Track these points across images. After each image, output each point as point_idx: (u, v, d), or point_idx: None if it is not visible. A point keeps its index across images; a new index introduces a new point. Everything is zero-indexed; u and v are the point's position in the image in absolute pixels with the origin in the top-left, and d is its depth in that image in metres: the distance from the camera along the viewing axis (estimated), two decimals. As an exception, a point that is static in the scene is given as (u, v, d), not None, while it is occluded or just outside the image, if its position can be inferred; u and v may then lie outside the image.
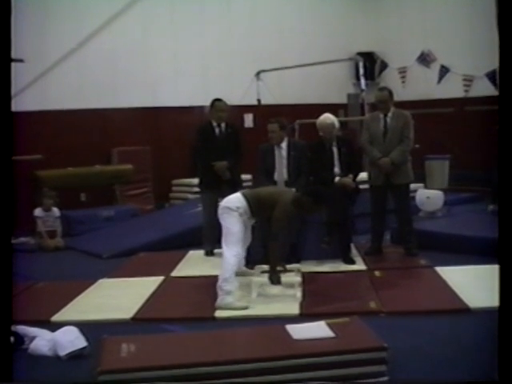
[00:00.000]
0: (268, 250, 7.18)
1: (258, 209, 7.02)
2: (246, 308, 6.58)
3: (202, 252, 9.19)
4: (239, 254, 6.85)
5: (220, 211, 7.05)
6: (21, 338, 5.54)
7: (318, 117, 8.56)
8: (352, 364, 4.68)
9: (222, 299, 6.61)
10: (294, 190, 7.73)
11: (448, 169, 12.14)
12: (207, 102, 9.55)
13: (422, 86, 15.35)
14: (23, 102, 10.94)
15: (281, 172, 8.51)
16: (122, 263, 8.95)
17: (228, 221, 6.90)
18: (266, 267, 7.29)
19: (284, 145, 8.57)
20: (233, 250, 6.77)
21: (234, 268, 6.71)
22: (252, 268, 7.65)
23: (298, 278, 7.31)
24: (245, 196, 7.04)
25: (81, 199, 12.72)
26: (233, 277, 6.70)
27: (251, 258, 7.73)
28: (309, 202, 6.91)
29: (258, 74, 14.58)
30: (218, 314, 6.48)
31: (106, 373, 4.54)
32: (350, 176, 8.34)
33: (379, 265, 8.27)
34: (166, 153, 13.80)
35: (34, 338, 5.60)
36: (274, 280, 7.08)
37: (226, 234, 6.88)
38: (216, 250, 9.02)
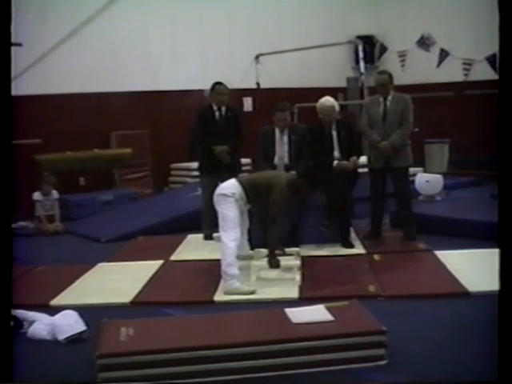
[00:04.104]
0: (267, 234, 7.18)
1: (254, 194, 7.03)
2: (254, 292, 6.58)
3: (200, 236, 9.19)
4: (237, 239, 6.84)
5: (215, 198, 7.06)
6: (20, 322, 5.56)
7: (317, 101, 8.53)
8: (351, 347, 4.70)
9: (230, 284, 6.60)
10: (292, 172, 7.77)
11: (447, 153, 12.11)
12: (206, 86, 9.52)
13: (421, 69, 15.28)
14: (22, 85, 10.87)
15: (281, 156, 8.50)
16: (121, 247, 8.95)
17: (224, 207, 6.91)
18: (265, 251, 7.30)
19: (286, 129, 8.56)
20: (230, 235, 6.77)
21: (234, 252, 6.71)
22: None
23: (297, 262, 7.32)
24: (240, 182, 7.05)
25: (80, 183, 12.72)
26: (235, 260, 6.70)
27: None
28: (304, 185, 6.96)
29: (257, 57, 14.53)
30: (217, 297, 6.49)
31: (105, 356, 4.55)
32: (354, 158, 8.31)
33: (378, 249, 8.27)
34: (164, 137, 13.77)
35: (32, 322, 5.61)
36: (273, 264, 7.09)
37: (223, 220, 6.88)
38: (215, 234, 9.01)
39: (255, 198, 7.12)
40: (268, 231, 7.12)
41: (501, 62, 3.77)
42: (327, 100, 8.47)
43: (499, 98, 3.64)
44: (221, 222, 6.92)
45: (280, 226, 7.22)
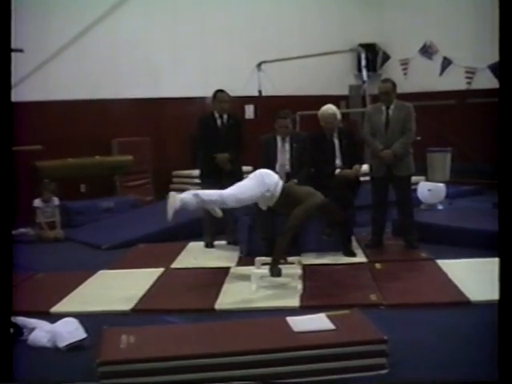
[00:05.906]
0: (277, 242, 7.12)
1: (283, 202, 7.04)
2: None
3: (201, 244, 9.18)
4: (224, 204, 6.97)
5: (257, 172, 7.13)
6: (20, 330, 5.54)
7: (319, 108, 8.53)
8: (352, 356, 4.68)
9: (177, 200, 6.91)
10: (294, 180, 7.79)
11: (450, 161, 12.10)
12: (208, 93, 9.52)
13: (424, 77, 15.30)
14: (23, 92, 10.89)
15: (283, 163, 8.47)
16: (122, 254, 8.94)
17: (251, 184, 7.01)
18: (265, 259, 7.27)
19: (287, 137, 8.54)
20: (229, 196, 6.92)
21: (208, 201, 6.95)
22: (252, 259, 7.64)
23: (298, 270, 7.29)
24: (283, 186, 7.14)
25: (80, 190, 12.71)
26: (192, 199, 6.90)
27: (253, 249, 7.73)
28: (337, 209, 7.01)
29: (259, 65, 14.55)
30: (218, 305, 6.47)
31: (105, 364, 4.54)
32: (356, 166, 8.29)
33: (380, 257, 8.26)
34: (166, 144, 13.78)
35: (33, 329, 5.59)
36: (275, 272, 7.05)
37: (240, 187, 7.03)
38: (216, 242, 9.02)
39: (280, 206, 7.12)
40: (280, 239, 7.06)
41: (501, 70, 3.75)
42: (329, 108, 8.48)
43: (499, 106, 3.63)
44: (236, 186, 7.05)
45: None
